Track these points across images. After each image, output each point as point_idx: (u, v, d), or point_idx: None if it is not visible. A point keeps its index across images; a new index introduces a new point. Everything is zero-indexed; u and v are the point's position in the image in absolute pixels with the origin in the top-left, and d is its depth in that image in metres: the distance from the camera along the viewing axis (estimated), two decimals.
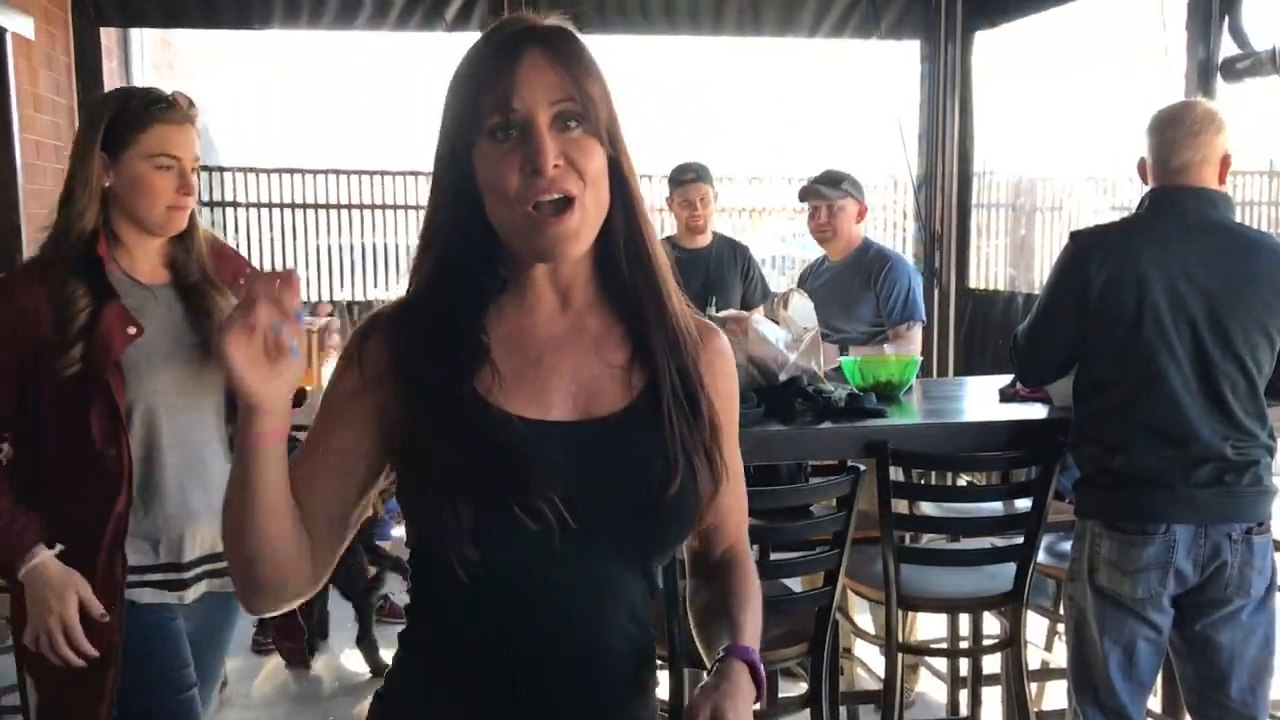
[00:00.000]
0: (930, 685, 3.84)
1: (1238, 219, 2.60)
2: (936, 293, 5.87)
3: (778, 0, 5.51)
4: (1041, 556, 2.92)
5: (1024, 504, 2.84)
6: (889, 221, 6.78)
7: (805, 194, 4.02)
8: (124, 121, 1.96)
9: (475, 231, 1.11)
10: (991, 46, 5.70)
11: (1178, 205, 2.51)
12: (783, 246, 8.89)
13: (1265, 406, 2.50)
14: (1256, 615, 2.49)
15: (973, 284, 6.09)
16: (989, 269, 7.14)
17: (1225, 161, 2.50)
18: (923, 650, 3.45)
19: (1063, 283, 2.56)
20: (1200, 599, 2.48)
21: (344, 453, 1.12)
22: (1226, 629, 2.49)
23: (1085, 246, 2.54)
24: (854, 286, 3.95)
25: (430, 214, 1.14)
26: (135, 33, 5.95)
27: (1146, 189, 2.59)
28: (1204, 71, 4.02)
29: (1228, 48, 4.02)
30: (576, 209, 1.06)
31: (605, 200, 1.11)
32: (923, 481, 3.44)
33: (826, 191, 3.93)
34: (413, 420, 1.09)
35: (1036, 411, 2.98)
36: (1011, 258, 7.60)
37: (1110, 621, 2.52)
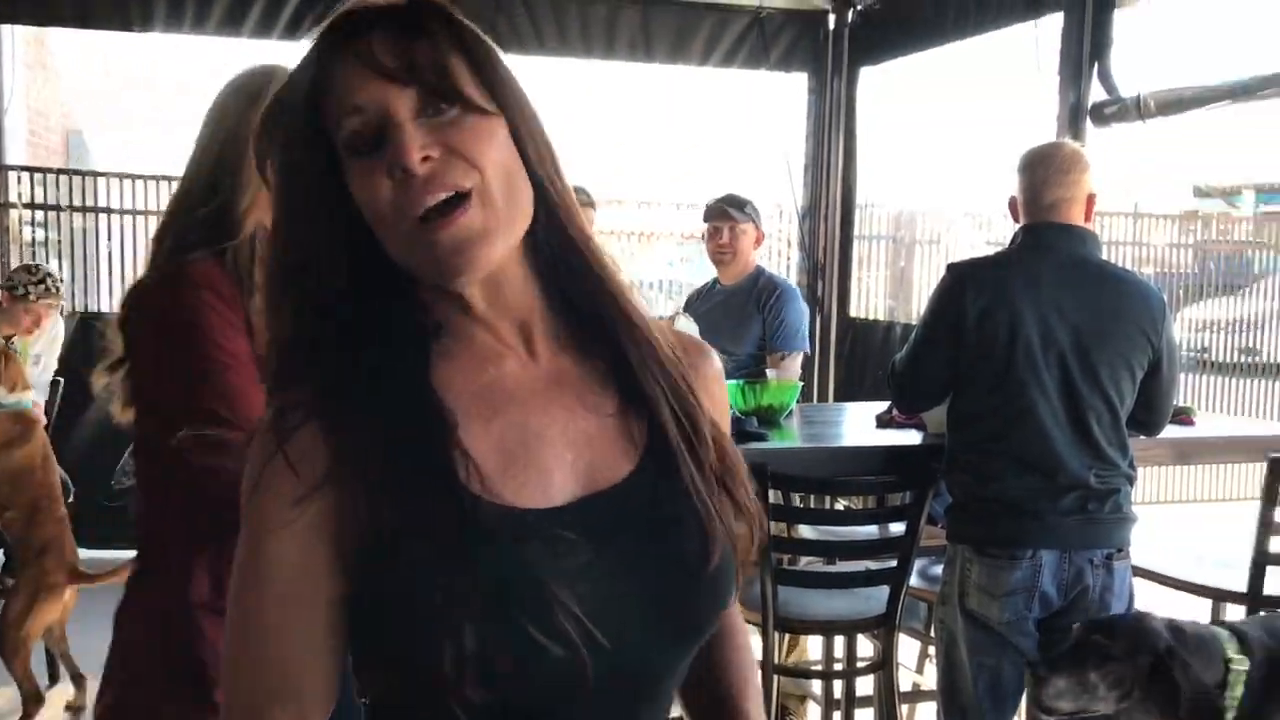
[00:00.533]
0: (809, 707, 3.87)
1: (1104, 257, 2.70)
2: (819, 321, 5.96)
3: (670, 28, 5.56)
4: (914, 580, 2.97)
5: (899, 528, 2.89)
6: (774, 250, 6.88)
7: (710, 214, 4.05)
8: None
9: (376, 270, 0.87)
10: (876, 82, 5.85)
11: (1048, 241, 2.59)
12: (670, 270, 8.96)
13: (1127, 438, 2.59)
14: None
15: (854, 313, 6.21)
16: (869, 299, 7.29)
17: (1091, 200, 2.59)
18: (798, 672, 3.48)
19: (939, 313, 2.61)
20: (1063, 622, 2.54)
21: (301, 599, 0.84)
22: None
23: (961, 278, 2.61)
24: (743, 311, 3.98)
25: (294, 245, 0.88)
26: (6, 29, 5.71)
27: (1018, 226, 2.67)
28: (1074, 115, 4.18)
29: (1098, 93, 4.19)
30: (473, 204, 0.84)
31: (524, 192, 0.88)
32: (801, 505, 3.47)
33: (732, 213, 3.97)
34: (382, 535, 0.82)
35: (911, 438, 3.04)
36: (891, 289, 7.78)
37: (979, 644, 2.58)
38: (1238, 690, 2.19)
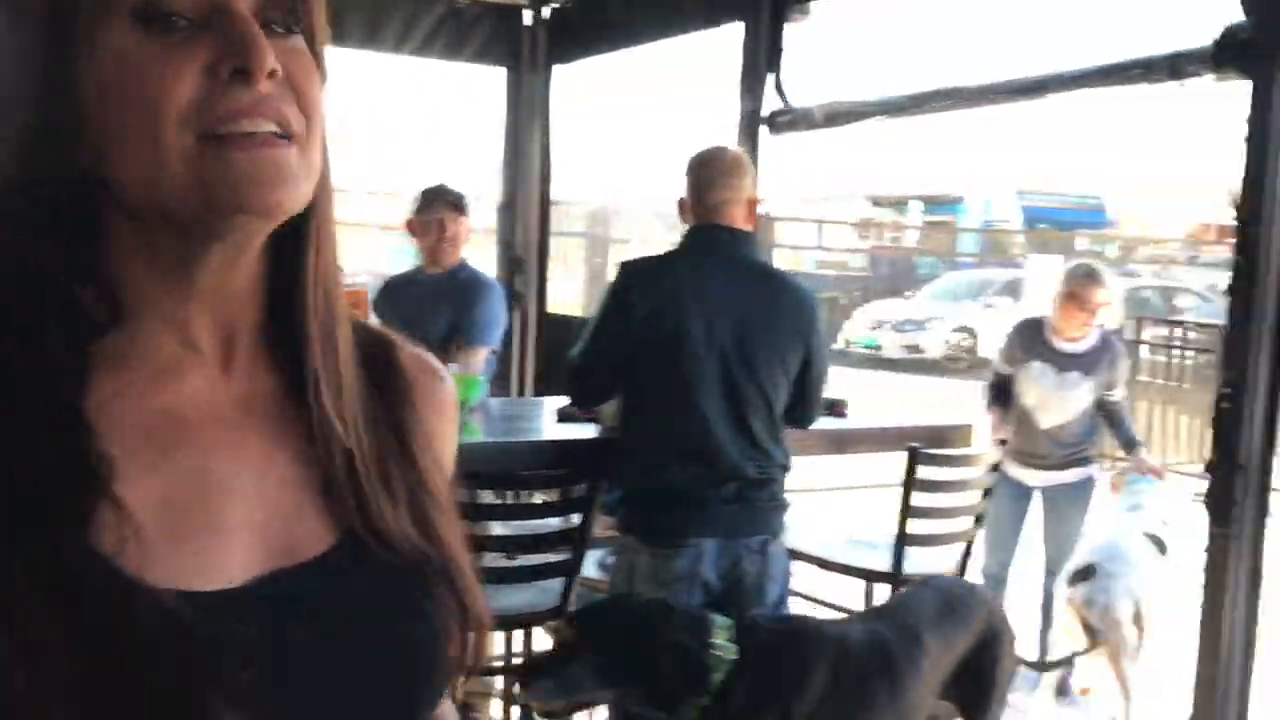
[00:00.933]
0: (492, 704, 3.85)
1: (762, 258, 2.84)
2: (517, 316, 5.97)
3: (363, 12, 5.39)
4: (593, 571, 3.01)
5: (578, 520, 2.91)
6: (474, 244, 6.84)
7: (429, 205, 3.93)
8: None
9: (52, 200, 0.62)
10: (573, 79, 5.91)
11: (714, 241, 2.69)
12: (371, 263, 8.73)
13: (782, 431, 2.73)
14: None
15: (551, 309, 6.26)
16: (566, 295, 7.40)
17: (753, 204, 2.71)
18: (479, 670, 3.45)
19: (609, 309, 2.66)
20: (722, 607, 2.64)
21: None
22: None
23: (631, 276, 2.67)
24: (441, 302, 3.91)
25: None
26: None
27: (686, 226, 2.76)
28: (751, 122, 4.37)
29: (775, 102, 4.40)
30: (294, 148, 0.64)
31: (320, 162, 0.67)
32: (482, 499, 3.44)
33: (449, 203, 3.90)
34: None
35: (587, 431, 3.08)
36: (587, 285, 7.92)
37: None
38: (717, 676, 2.21)
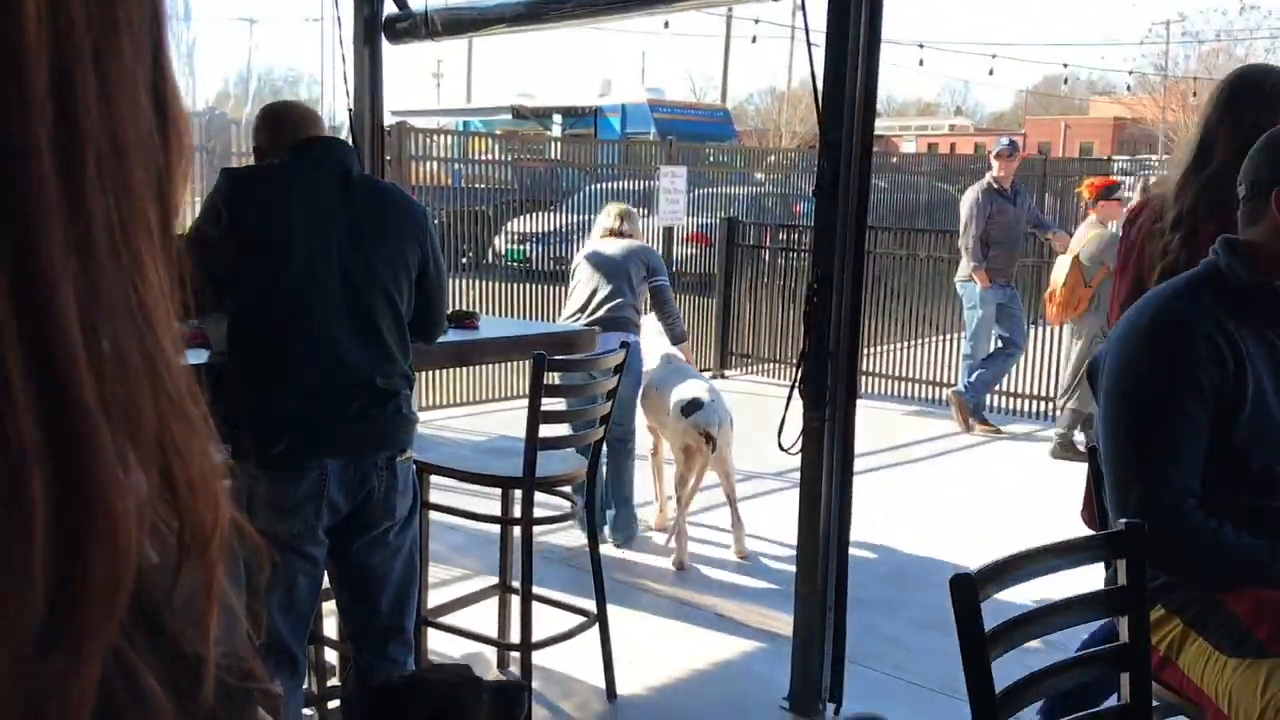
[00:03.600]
0: None
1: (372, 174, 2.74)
2: None
3: None
4: None
5: None
6: None
7: None
8: None
9: None
10: None
11: (321, 152, 2.56)
12: None
13: (408, 339, 2.66)
14: (401, 535, 2.67)
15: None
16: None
17: None
18: None
19: (210, 218, 2.47)
20: (352, 526, 2.58)
21: None
22: (376, 552, 2.63)
23: (235, 184, 2.50)
24: None
25: None
26: None
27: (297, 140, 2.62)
28: (370, 28, 4.19)
29: (392, 7, 4.22)
30: None
31: None
32: None
33: None
34: None
35: (197, 358, 2.87)
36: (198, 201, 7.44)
37: (271, 561, 2.52)
38: None
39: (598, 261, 4.98)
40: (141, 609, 0.42)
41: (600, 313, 4.84)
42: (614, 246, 5.05)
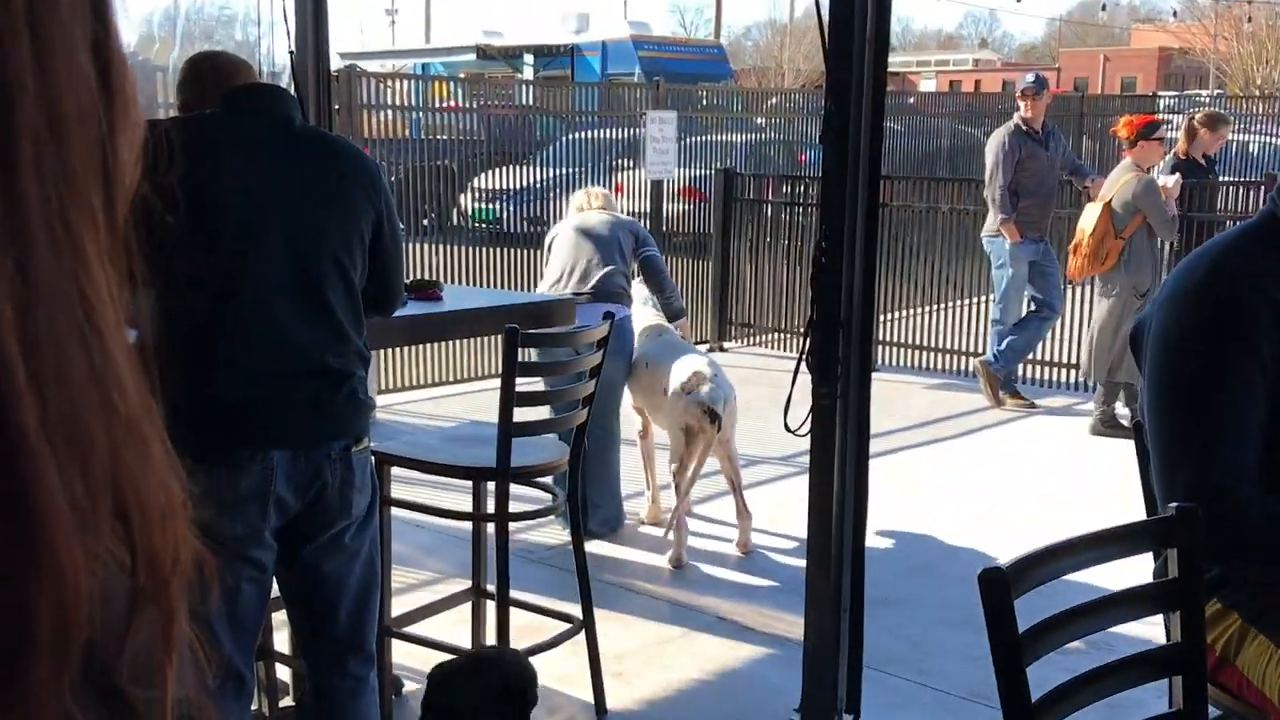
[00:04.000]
0: None
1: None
2: None
3: None
4: None
5: None
6: None
7: None
8: None
9: None
10: None
11: (256, 100, 2.55)
12: None
13: (362, 314, 2.65)
14: (360, 536, 2.66)
15: None
16: None
17: None
18: None
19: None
20: (303, 527, 2.57)
21: None
22: (332, 555, 2.62)
23: (155, 136, 2.48)
24: None
25: None
26: None
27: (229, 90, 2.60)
28: None
29: None
30: None
31: None
32: None
33: None
34: None
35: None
36: None
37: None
38: None
39: (583, 229, 4.98)
40: (91, 668, 0.40)
41: (591, 281, 4.83)
42: (598, 217, 5.07)
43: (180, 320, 2.50)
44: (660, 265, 5.22)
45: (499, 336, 3.12)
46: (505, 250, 9.18)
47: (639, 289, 5.18)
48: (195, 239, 2.44)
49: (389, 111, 9.03)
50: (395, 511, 3.47)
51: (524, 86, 12.51)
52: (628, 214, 6.56)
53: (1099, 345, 6.69)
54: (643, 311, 5.11)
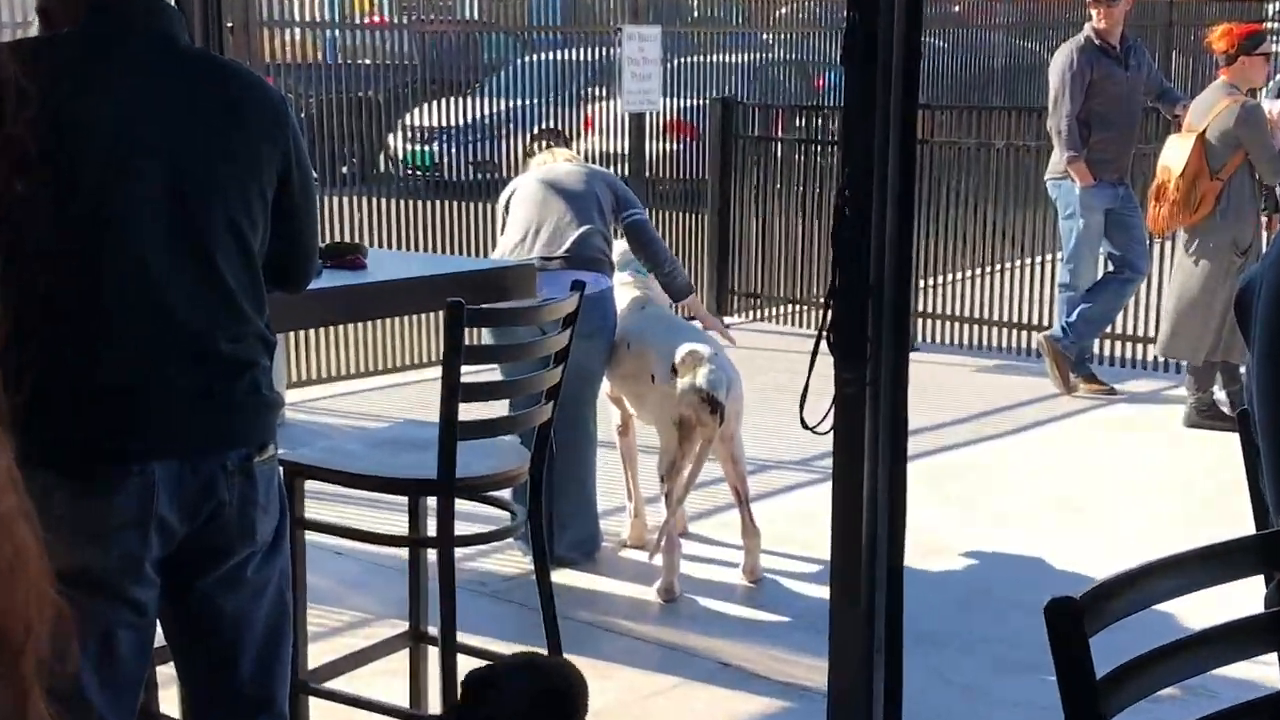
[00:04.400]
0: None
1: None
2: None
3: None
4: None
5: None
6: None
7: None
8: None
9: None
10: None
11: (128, 15, 2.53)
12: None
13: (263, 286, 2.64)
14: (266, 568, 2.66)
15: None
16: None
17: None
18: None
19: None
20: (194, 556, 2.57)
21: None
22: (231, 592, 2.62)
23: (9, 61, 2.47)
24: None
25: None
26: None
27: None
28: None
29: None
30: None
31: None
32: None
33: None
34: None
35: None
36: None
37: (74, 609, 2.51)
38: None
39: (550, 182, 4.97)
40: None
41: (565, 244, 4.82)
42: (567, 168, 5.08)
43: (33, 289, 2.49)
44: (651, 231, 5.23)
45: (440, 313, 3.11)
46: (446, 204, 9.16)
47: (621, 253, 5.14)
48: (50, 185, 2.43)
49: (296, 30, 9.01)
50: (311, 536, 3.46)
51: None
52: (601, 158, 6.56)
53: (1184, 317, 6.68)
54: (622, 278, 5.09)
